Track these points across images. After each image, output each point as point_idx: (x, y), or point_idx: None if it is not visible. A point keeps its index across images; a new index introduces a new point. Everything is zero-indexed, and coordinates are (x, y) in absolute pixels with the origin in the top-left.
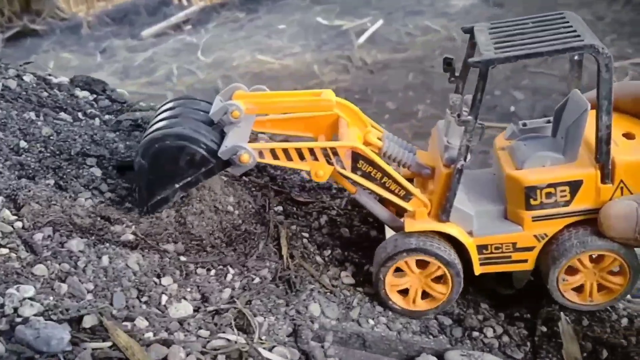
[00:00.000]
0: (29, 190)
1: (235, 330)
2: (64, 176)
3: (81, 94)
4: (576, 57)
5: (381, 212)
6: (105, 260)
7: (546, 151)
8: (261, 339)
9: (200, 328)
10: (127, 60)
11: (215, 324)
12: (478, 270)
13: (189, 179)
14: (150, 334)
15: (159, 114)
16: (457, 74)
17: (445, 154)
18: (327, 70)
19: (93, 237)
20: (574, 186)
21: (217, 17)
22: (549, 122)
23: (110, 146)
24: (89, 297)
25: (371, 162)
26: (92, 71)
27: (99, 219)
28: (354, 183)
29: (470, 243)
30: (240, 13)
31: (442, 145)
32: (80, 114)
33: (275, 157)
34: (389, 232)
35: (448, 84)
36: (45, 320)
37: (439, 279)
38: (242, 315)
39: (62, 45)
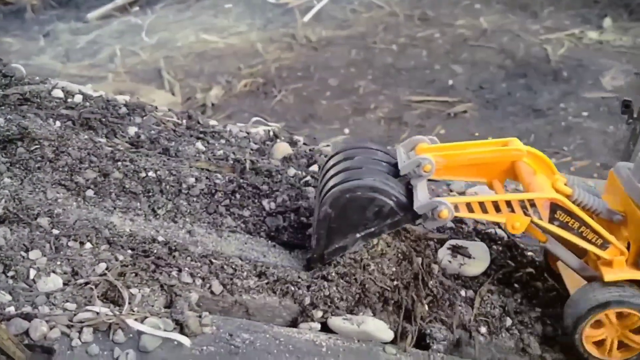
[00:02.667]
0: None
1: (104, 302)
2: None
3: None
4: None
5: (572, 260)
6: None
7: None
8: (133, 311)
9: (67, 301)
10: (70, 44)
11: (85, 297)
12: None
13: (372, 229)
14: (12, 308)
15: (337, 163)
16: (635, 115)
17: None
18: (271, 49)
19: None
20: None
21: None
22: None
23: None
24: None
25: (570, 213)
26: (33, 55)
27: None
28: (545, 231)
29: None
30: None
31: (637, 192)
32: None
33: (471, 210)
34: (572, 281)
35: (389, 60)
36: None
37: (637, 330)
38: (114, 287)
39: (5, 30)
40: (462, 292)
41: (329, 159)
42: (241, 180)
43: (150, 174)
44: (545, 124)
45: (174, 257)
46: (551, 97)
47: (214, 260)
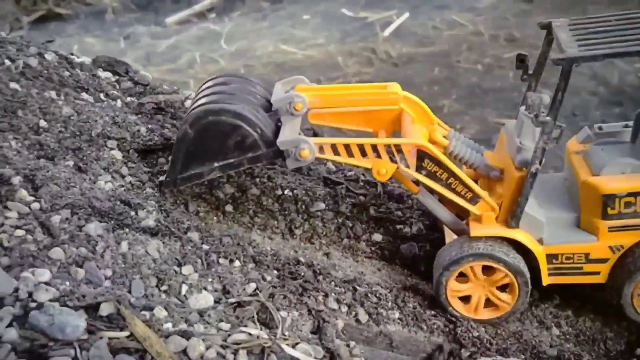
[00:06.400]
0: (48, 171)
1: (258, 324)
2: (84, 158)
3: (103, 74)
4: None
5: (443, 213)
6: (124, 246)
7: (626, 157)
8: (284, 335)
9: (221, 320)
10: (151, 47)
11: (237, 317)
12: (546, 280)
13: (232, 160)
14: (169, 325)
15: (210, 86)
16: (530, 71)
17: (518, 156)
18: (351, 62)
19: (112, 222)
20: None
21: (241, 6)
22: (627, 126)
23: (131, 129)
24: (107, 283)
25: (437, 162)
26: (115, 57)
27: (119, 203)
28: (417, 182)
29: (539, 251)
30: (264, 2)
31: (514, 147)
32: (102, 95)
33: (336, 152)
34: (449, 235)
35: (474, 80)
36: (61, 306)
37: (505, 288)
38: (265, 309)
39: (85, 30)
40: None
41: (205, 82)
42: (374, 204)
43: (287, 192)
44: None
45: (318, 280)
46: None
47: (357, 287)
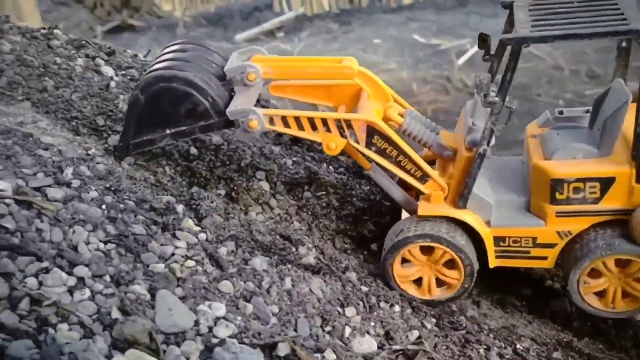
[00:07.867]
0: (212, 202)
1: None
2: (235, 188)
3: None
4: (624, 44)
5: (395, 192)
6: (288, 282)
7: (579, 143)
8: None
9: None
10: None
11: None
12: (493, 262)
13: (184, 128)
14: None
15: (167, 52)
16: (492, 52)
17: (468, 137)
18: (425, 90)
19: (275, 257)
20: (605, 183)
21: (310, 26)
22: (587, 112)
23: (278, 161)
24: (274, 320)
25: (387, 139)
26: None
27: (278, 237)
28: (369, 159)
29: (486, 233)
30: (333, 24)
31: (466, 127)
32: None
33: (287, 125)
34: (405, 214)
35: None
36: (239, 343)
37: (450, 265)
38: (430, 359)
39: (158, 42)
40: None
41: (164, 48)
42: None
43: None
44: None
45: (477, 332)
46: None
47: (515, 341)
